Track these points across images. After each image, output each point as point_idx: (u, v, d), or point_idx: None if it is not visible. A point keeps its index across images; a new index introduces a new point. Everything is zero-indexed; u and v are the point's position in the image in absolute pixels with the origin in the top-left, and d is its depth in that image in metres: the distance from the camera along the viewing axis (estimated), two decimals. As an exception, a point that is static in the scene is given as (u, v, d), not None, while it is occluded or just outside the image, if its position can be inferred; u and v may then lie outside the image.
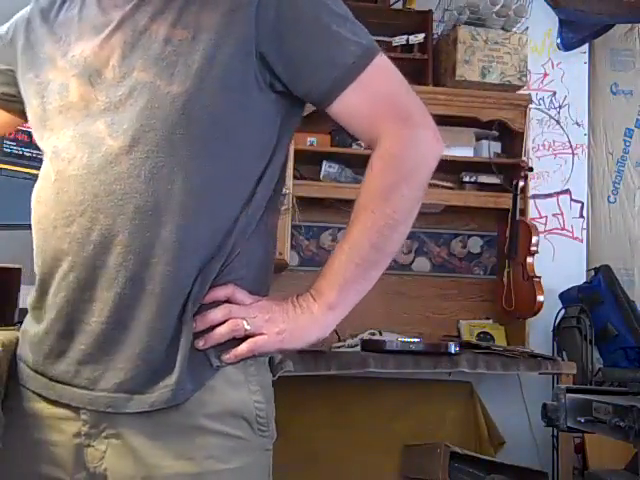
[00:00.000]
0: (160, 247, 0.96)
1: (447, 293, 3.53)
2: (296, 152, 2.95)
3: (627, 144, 3.76)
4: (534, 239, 3.21)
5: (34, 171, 1.81)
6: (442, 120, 3.29)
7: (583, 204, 3.68)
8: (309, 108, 1.09)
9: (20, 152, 1.91)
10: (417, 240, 3.53)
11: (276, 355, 1.10)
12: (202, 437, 0.98)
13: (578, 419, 2.08)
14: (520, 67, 3.30)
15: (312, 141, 3.16)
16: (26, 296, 1.13)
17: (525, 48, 3.32)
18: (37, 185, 1.08)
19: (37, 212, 1.05)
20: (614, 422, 1.90)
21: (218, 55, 0.97)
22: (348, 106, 1.02)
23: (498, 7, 3.27)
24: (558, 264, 3.54)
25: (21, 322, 1.16)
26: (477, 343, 3.14)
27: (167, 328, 0.98)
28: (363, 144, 2.97)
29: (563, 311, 3.39)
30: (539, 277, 3.19)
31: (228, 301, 1.01)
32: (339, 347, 3.00)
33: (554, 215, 3.64)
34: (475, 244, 3.59)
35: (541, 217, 3.62)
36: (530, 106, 3.37)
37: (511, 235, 3.27)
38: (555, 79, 3.71)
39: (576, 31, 3.63)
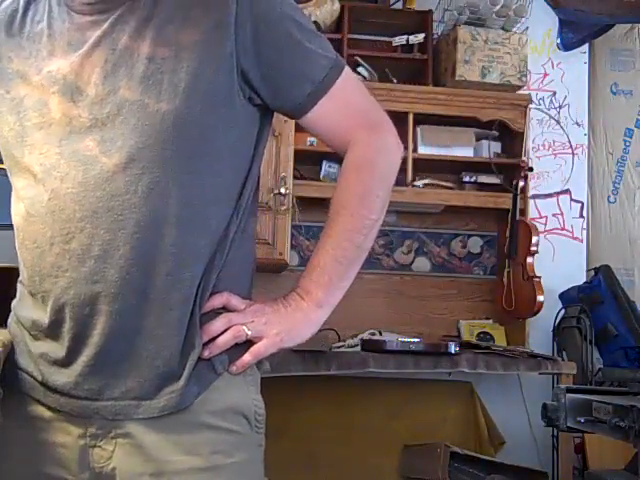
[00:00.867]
0: (161, 258, 1.00)
1: (447, 293, 3.53)
2: (296, 152, 2.95)
3: (627, 144, 3.76)
4: (534, 239, 3.21)
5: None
6: (442, 120, 3.32)
7: (583, 204, 3.68)
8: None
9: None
10: (417, 240, 3.53)
11: None
12: (207, 433, 1.03)
13: (578, 419, 2.08)
14: (520, 67, 3.30)
15: (312, 141, 3.16)
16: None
17: (525, 48, 3.32)
18: (21, 203, 1.06)
19: (29, 230, 1.05)
20: (614, 422, 1.90)
21: (203, 72, 1.00)
22: (321, 116, 1.10)
23: (498, 7, 3.27)
24: (558, 264, 3.54)
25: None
26: (477, 343, 3.14)
27: (172, 336, 1.01)
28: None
29: (563, 311, 3.39)
30: (539, 277, 3.19)
31: (224, 308, 1.06)
32: (339, 347, 3.00)
33: (554, 215, 3.64)
34: (475, 244, 3.59)
35: (541, 217, 3.62)
36: (530, 106, 3.37)
37: (511, 235, 3.27)
38: (555, 79, 3.71)
39: (576, 31, 3.63)
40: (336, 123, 1.12)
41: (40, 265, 1.03)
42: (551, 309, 3.32)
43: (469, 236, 3.58)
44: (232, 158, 1.06)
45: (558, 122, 3.69)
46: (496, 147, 3.41)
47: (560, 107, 3.70)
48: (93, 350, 1.00)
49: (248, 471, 1.07)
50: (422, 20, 3.40)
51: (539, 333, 3.37)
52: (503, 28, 3.33)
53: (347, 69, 1.12)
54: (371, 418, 3.15)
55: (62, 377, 1.03)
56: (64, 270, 1.00)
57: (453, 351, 2.82)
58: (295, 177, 3.03)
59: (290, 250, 3.02)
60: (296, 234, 3.34)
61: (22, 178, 1.06)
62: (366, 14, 3.33)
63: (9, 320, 1.12)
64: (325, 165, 3.26)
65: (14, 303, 1.13)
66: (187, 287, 1.01)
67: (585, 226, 3.67)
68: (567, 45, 3.66)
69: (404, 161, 3.21)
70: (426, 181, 3.27)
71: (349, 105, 1.12)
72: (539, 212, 3.61)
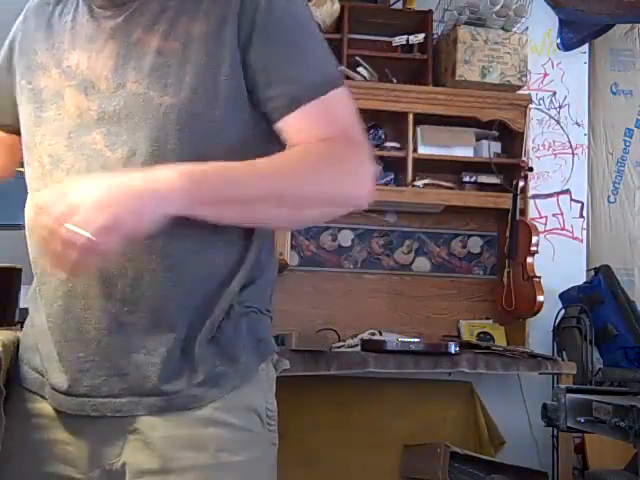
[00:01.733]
0: (157, 253, 0.98)
1: (447, 293, 3.53)
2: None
3: (627, 144, 3.76)
4: (534, 239, 3.21)
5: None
6: (442, 120, 3.32)
7: (583, 204, 3.68)
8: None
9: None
10: (417, 240, 3.53)
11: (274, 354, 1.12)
12: (215, 429, 1.00)
13: (578, 419, 2.08)
14: (520, 67, 3.30)
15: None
16: (26, 296, 1.14)
17: (525, 48, 3.32)
18: (30, 195, 1.08)
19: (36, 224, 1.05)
20: (614, 422, 1.90)
21: (209, 65, 0.99)
22: (302, 120, 1.01)
23: (498, 7, 3.27)
24: (558, 264, 3.54)
25: (21, 322, 1.17)
26: (477, 343, 3.14)
27: (171, 332, 0.99)
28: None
29: (563, 311, 3.39)
30: (539, 277, 3.19)
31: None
32: (339, 347, 3.00)
33: (554, 215, 3.64)
34: (475, 244, 3.59)
35: (541, 217, 3.62)
36: (530, 106, 3.37)
37: (511, 235, 3.27)
38: (555, 79, 3.71)
39: (576, 31, 3.63)
40: (319, 129, 1.01)
41: (42, 256, 1.02)
42: (551, 309, 3.32)
43: (469, 236, 3.58)
44: (238, 155, 1.00)
45: (558, 122, 3.69)
46: (496, 147, 3.41)
47: (560, 107, 3.70)
48: (89, 346, 1.00)
49: (257, 470, 1.04)
50: (422, 20, 3.40)
51: (539, 333, 3.37)
52: (503, 28, 3.33)
53: (344, 87, 1.04)
54: (371, 418, 3.15)
55: (57, 374, 1.02)
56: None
57: (453, 351, 2.82)
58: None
59: (290, 250, 3.02)
60: (296, 234, 3.34)
61: (32, 168, 1.07)
62: (366, 14, 3.33)
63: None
64: (325, 165, 3.26)
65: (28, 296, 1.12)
66: (186, 283, 1.00)
67: (585, 226, 3.67)
68: (567, 45, 3.66)
69: (404, 161, 3.22)
70: (426, 181, 3.27)
71: (337, 117, 1.03)
72: (539, 212, 3.61)
